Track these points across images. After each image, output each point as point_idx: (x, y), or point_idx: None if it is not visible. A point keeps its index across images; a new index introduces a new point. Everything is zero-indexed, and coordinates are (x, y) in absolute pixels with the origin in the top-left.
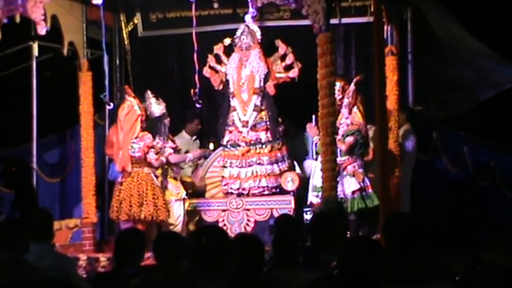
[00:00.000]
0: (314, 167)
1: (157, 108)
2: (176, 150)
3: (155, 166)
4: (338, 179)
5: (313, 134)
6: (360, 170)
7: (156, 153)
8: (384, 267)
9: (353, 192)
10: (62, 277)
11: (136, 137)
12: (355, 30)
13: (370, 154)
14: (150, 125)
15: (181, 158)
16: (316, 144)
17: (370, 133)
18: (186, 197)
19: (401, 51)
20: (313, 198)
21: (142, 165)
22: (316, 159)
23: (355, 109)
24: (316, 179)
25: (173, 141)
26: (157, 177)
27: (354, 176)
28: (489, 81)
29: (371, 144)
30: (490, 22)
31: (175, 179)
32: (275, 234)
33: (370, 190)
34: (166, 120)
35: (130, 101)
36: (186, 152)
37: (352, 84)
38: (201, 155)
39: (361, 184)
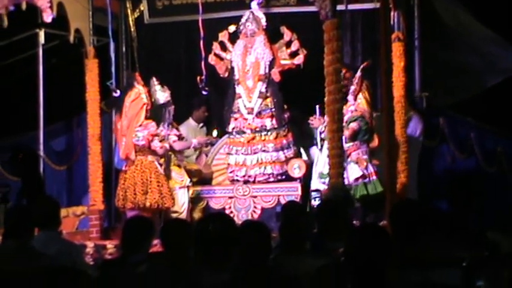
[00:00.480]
0: (318, 154)
1: (162, 95)
2: (180, 137)
3: (160, 154)
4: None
5: (317, 125)
6: (364, 157)
7: (160, 141)
8: (390, 254)
9: (356, 179)
10: (69, 264)
11: (140, 125)
12: (361, 16)
13: (375, 141)
14: (155, 112)
15: (185, 144)
16: (321, 132)
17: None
18: (190, 185)
19: (408, 37)
20: (320, 185)
21: (146, 153)
22: (321, 149)
23: (360, 96)
24: (321, 166)
25: (177, 129)
26: (161, 165)
27: (357, 162)
28: (496, 67)
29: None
30: (497, 8)
31: (178, 166)
32: (282, 221)
33: (374, 177)
34: (171, 108)
35: (139, 89)
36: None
37: (359, 70)
38: (206, 142)
39: (364, 171)
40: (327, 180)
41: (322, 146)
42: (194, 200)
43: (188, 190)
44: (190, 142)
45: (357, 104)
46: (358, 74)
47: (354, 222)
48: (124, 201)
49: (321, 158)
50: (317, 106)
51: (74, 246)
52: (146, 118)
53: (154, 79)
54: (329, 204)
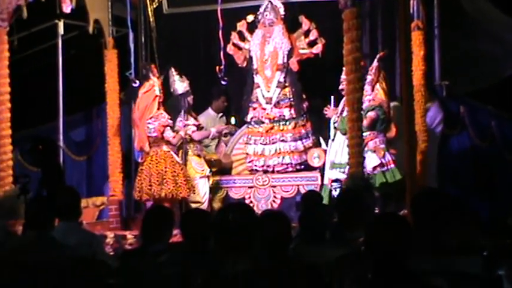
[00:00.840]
0: (330, 145)
1: (180, 85)
2: (199, 127)
3: (174, 144)
4: None
5: (331, 115)
6: (382, 146)
7: (174, 131)
8: (411, 243)
9: (374, 168)
10: (89, 255)
11: (151, 117)
12: (380, 5)
13: (393, 131)
14: (173, 102)
15: (204, 134)
16: (335, 122)
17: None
18: (209, 174)
19: (428, 25)
20: (333, 174)
21: (160, 144)
22: (333, 139)
23: (377, 86)
24: (333, 156)
25: (195, 118)
26: (177, 154)
27: (375, 151)
28: None
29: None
30: None
31: (198, 156)
32: (301, 210)
33: (392, 165)
34: (189, 98)
35: (153, 81)
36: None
37: (376, 60)
38: (224, 130)
39: (382, 160)
40: (344, 169)
41: (334, 135)
42: (214, 190)
43: (208, 180)
44: (209, 131)
45: (374, 94)
46: (375, 64)
47: (375, 211)
48: (140, 193)
49: (333, 147)
50: (332, 96)
51: (94, 236)
52: (159, 109)
53: (172, 69)
54: (349, 194)
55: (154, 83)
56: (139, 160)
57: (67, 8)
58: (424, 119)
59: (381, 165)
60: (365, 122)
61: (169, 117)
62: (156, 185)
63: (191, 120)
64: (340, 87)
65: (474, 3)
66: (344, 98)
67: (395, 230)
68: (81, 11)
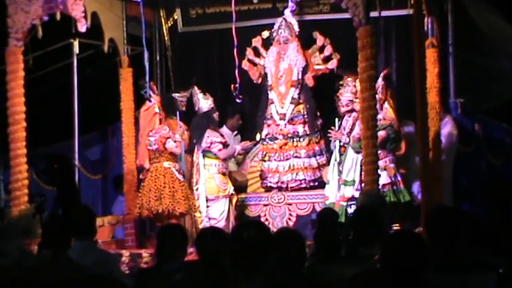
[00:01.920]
0: (333, 164)
1: (205, 103)
2: (225, 145)
3: (178, 153)
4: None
5: (339, 137)
6: (392, 165)
7: (175, 141)
8: (426, 260)
9: (383, 186)
10: (105, 274)
11: (151, 130)
12: (395, 22)
13: (402, 149)
14: (197, 120)
15: (230, 152)
16: (342, 144)
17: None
18: (233, 193)
19: (442, 43)
20: (350, 191)
21: (161, 160)
22: (339, 161)
23: (386, 104)
24: (345, 174)
25: (222, 136)
26: (178, 171)
27: (385, 169)
28: None
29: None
30: None
31: (223, 174)
32: (317, 228)
33: (402, 186)
34: (215, 115)
35: (154, 99)
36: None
37: (380, 79)
38: (249, 147)
39: (392, 179)
40: (352, 186)
41: (341, 155)
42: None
43: (231, 199)
44: (234, 149)
45: (384, 113)
46: (381, 82)
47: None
48: (140, 209)
49: (346, 165)
50: (336, 119)
51: (110, 255)
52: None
53: (196, 88)
54: (364, 211)
55: (153, 104)
56: (141, 176)
57: (82, 27)
58: (439, 136)
59: (392, 184)
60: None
61: (170, 129)
62: (154, 201)
63: (218, 138)
64: (344, 109)
65: (488, 21)
66: (348, 117)
67: (411, 248)
68: (96, 30)
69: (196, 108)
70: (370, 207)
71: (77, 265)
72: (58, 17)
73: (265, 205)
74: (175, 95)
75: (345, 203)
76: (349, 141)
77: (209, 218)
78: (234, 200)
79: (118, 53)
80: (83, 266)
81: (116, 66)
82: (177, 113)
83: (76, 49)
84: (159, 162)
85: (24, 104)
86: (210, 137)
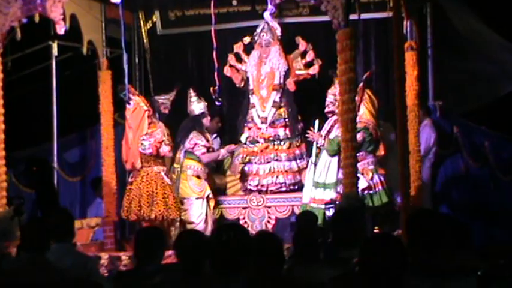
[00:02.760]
0: (310, 166)
1: (197, 107)
2: (209, 149)
3: (169, 157)
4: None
5: (316, 139)
6: (370, 167)
7: (166, 144)
8: (405, 263)
9: (362, 190)
10: (84, 276)
11: (146, 134)
12: (374, 25)
13: (381, 150)
14: (186, 123)
15: (213, 155)
16: (318, 146)
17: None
18: (211, 197)
19: (421, 46)
20: (321, 193)
21: (151, 164)
22: (315, 162)
23: (362, 106)
24: (320, 176)
25: (208, 141)
26: (167, 175)
27: (362, 173)
28: (510, 75)
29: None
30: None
31: (198, 177)
32: (295, 230)
33: (380, 187)
34: (205, 119)
35: (135, 100)
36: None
37: (361, 82)
38: (234, 149)
39: (370, 182)
40: (323, 189)
41: (317, 158)
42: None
43: (208, 201)
44: (219, 152)
45: (359, 115)
46: (360, 84)
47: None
48: (128, 212)
49: (318, 167)
50: (316, 120)
51: (88, 258)
52: (151, 124)
53: (191, 90)
54: (343, 213)
55: (137, 101)
56: (129, 179)
57: (61, 30)
58: (418, 139)
59: (369, 187)
60: None
61: (164, 132)
62: (146, 207)
63: (203, 141)
64: (326, 110)
65: (468, 24)
66: (329, 120)
67: (390, 250)
68: (75, 33)
69: (188, 111)
70: (350, 210)
71: (56, 268)
72: (37, 19)
73: (244, 208)
74: (160, 97)
75: (315, 205)
76: (323, 144)
77: (188, 222)
78: (212, 204)
79: (97, 56)
80: (62, 268)
81: (94, 69)
82: (157, 114)
83: (55, 51)
84: (149, 167)
85: (2, 106)
86: (194, 139)
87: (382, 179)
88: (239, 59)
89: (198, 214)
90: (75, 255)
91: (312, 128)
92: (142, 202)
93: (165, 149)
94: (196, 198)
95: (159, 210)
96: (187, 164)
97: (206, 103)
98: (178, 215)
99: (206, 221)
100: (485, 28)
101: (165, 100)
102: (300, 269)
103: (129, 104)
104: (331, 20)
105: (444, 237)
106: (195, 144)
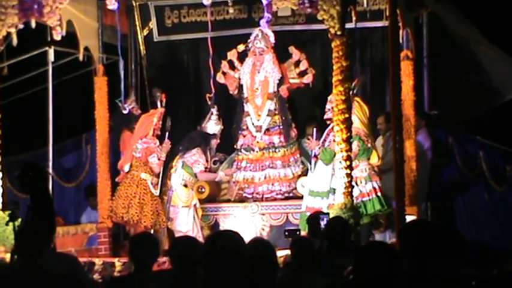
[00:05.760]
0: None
1: (213, 127)
2: (205, 169)
3: (156, 171)
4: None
5: (313, 147)
6: (364, 175)
7: (159, 159)
8: (398, 272)
9: (355, 198)
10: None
11: (143, 138)
12: (370, 34)
13: (376, 159)
14: (196, 136)
15: (210, 176)
16: (315, 154)
17: (379, 140)
18: (198, 206)
19: (417, 55)
20: (316, 202)
21: (140, 170)
22: (312, 170)
23: (353, 116)
24: (316, 184)
25: (207, 161)
26: (154, 185)
27: (356, 181)
28: (505, 86)
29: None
30: (509, 27)
31: (185, 186)
32: (292, 239)
33: (373, 195)
34: (214, 141)
35: (159, 110)
36: None
37: (350, 91)
38: (233, 173)
39: (362, 189)
40: (319, 198)
41: (315, 166)
42: (203, 218)
43: (196, 210)
44: (216, 175)
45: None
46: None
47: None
48: (112, 212)
49: (314, 176)
50: (314, 129)
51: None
52: (153, 136)
53: (216, 108)
54: (338, 222)
55: (156, 112)
56: (116, 179)
57: (57, 35)
58: (414, 149)
59: (362, 195)
60: None
61: (163, 149)
62: (121, 208)
63: (203, 160)
64: (325, 117)
65: (464, 35)
66: (328, 128)
67: (383, 259)
68: (71, 38)
69: (202, 125)
70: (344, 219)
71: (49, 273)
72: (33, 24)
73: (238, 215)
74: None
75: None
76: (319, 153)
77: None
78: (200, 212)
79: (93, 62)
80: (55, 274)
81: (91, 75)
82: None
83: (51, 57)
84: (137, 171)
85: None
86: (197, 155)
87: (376, 186)
88: (232, 66)
89: (185, 223)
90: (56, 256)
91: (310, 137)
92: (119, 203)
93: (154, 161)
94: (183, 207)
95: (132, 214)
96: (180, 172)
97: (222, 127)
98: (152, 224)
99: (193, 230)
100: (482, 39)
101: (132, 104)
102: (294, 276)
103: (124, 110)
104: (327, 28)
105: (438, 247)
106: (196, 161)
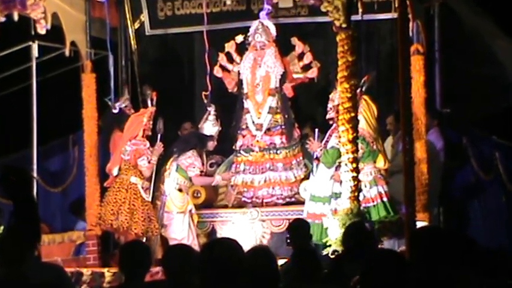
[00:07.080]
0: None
1: (210, 128)
2: (201, 173)
3: (146, 175)
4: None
5: (314, 149)
6: (369, 179)
7: (149, 162)
8: (407, 280)
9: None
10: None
11: (134, 138)
12: (378, 27)
13: (382, 162)
14: (191, 137)
15: (207, 180)
16: (317, 157)
17: (388, 141)
18: (194, 212)
19: (428, 49)
20: (317, 207)
21: (129, 173)
22: (314, 173)
23: (359, 115)
24: (318, 189)
25: (203, 165)
26: (144, 188)
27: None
28: None
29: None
30: None
31: (180, 190)
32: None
33: (378, 200)
34: (211, 143)
35: (149, 109)
36: None
37: (359, 88)
38: (231, 178)
39: (367, 194)
40: (321, 203)
41: (317, 169)
42: (200, 224)
43: (191, 216)
44: (213, 179)
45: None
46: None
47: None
48: (100, 219)
49: (315, 180)
50: (316, 129)
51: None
52: (143, 137)
53: (213, 107)
54: (355, 228)
55: (147, 111)
56: (105, 184)
57: (42, 29)
58: (425, 150)
59: (366, 200)
60: None
61: (154, 153)
62: (110, 214)
63: (199, 163)
64: (327, 116)
65: (478, 27)
66: (330, 128)
67: (391, 267)
68: (57, 32)
69: (199, 126)
70: (357, 225)
71: (32, 282)
72: (16, 17)
73: (237, 222)
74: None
75: (310, 221)
76: (320, 156)
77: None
78: (196, 219)
79: (80, 57)
80: (37, 283)
81: (78, 71)
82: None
83: (35, 52)
84: (126, 175)
85: None
86: (192, 158)
87: (382, 191)
88: (230, 59)
89: (180, 230)
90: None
91: (311, 139)
92: (107, 209)
93: (143, 164)
94: (177, 213)
95: (121, 221)
96: (174, 176)
97: (220, 128)
98: (143, 232)
99: (188, 237)
100: (496, 31)
101: (125, 102)
102: (297, 285)
103: (114, 109)
104: (331, 21)
105: (449, 254)
106: (191, 164)
